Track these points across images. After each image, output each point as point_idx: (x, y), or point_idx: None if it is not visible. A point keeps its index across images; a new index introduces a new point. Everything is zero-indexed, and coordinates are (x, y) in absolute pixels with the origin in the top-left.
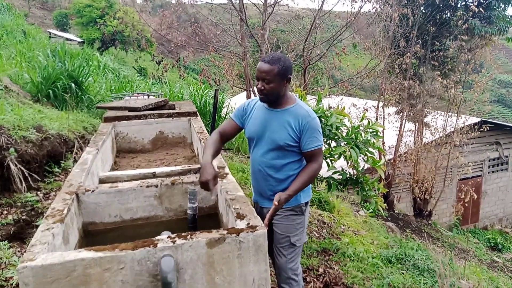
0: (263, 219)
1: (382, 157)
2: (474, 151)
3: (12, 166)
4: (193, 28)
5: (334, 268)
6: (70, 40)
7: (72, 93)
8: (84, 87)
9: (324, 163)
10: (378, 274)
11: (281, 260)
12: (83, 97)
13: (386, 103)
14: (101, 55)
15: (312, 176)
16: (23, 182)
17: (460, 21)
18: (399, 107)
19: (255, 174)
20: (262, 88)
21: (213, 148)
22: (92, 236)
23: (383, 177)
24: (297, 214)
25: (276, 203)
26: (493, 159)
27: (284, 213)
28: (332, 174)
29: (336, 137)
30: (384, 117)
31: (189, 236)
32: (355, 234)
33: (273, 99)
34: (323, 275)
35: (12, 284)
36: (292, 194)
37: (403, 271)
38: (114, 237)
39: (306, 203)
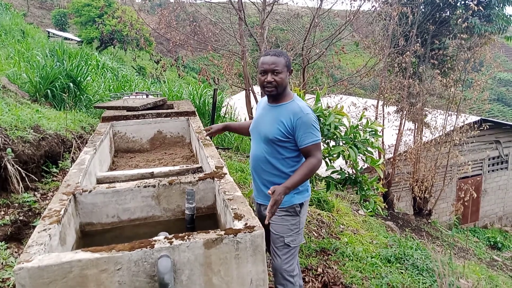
0: (260, 214)
1: (381, 156)
2: (474, 149)
3: (9, 167)
4: (192, 27)
5: (333, 267)
6: (69, 39)
7: (70, 92)
8: (82, 87)
9: (323, 162)
10: (377, 274)
11: (276, 261)
12: (81, 96)
13: (385, 102)
14: (100, 55)
15: (311, 169)
16: (20, 183)
17: (460, 20)
18: (399, 106)
19: (252, 168)
20: (272, 80)
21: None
22: (89, 236)
23: (382, 176)
24: (291, 215)
25: (271, 192)
26: (493, 158)
27: (278, 213)
28: (331, 173)
29: (334, 137)
30: (383, 116)
31: (187, 236)
32: (354, 233)
33: (281, 91)
34: (322, 275)
35: (9, 285)
36: (290, 186)
37: (402, 271)
38: (112, 237)
39: (301, 204)
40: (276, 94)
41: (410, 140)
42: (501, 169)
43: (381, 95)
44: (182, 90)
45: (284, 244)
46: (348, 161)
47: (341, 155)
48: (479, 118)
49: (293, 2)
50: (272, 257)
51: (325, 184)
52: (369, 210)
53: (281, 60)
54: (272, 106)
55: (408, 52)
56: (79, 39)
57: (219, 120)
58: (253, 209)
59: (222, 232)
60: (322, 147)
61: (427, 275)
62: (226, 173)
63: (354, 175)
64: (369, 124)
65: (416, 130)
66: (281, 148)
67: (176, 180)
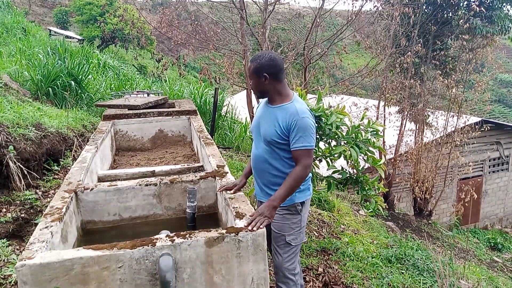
0: None
1: (383, 156)
2: (475, 150)
3: (11, 164)
4: (193, 26)
5: (333, 267)
6: (70, 37)
7: (71, 91)
8: (83, 85)
9: (324, 162)
10: (377, 274)
11: (278, 260)
12: (82, 95)
13: (387, 103)
14: (101, 53)
15: (295, 180)
16: (22, 180)
17: (462, 21)
18: (400, 106)
19: (253, 167)
20: (250, 84)
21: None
22: (91, 234)
23: (383, 176)
24: (293, 213)
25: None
26: (494, 159)
27: (279, 212)
28: (332, 173)
29: (336, 136)
30: (384, 116)
31: (188, 235)
32: (355, 233)
33: (259, 94)
34: (323, 274)
35: (10, 282)
36: (277, 200)
37: (402, 271)
38: (113, 235)
39: (303, 203)
40: (257, 97)
41: (411, 140)
42: (502, 170)
43: (382, 96)
44: (183, 89)
45: (285, 242)
46: (350, 161)
47: (342, 155)
48: (480, 119)
49: (294, 1)
50: (273, 256)
51: (326, 184)
52: (369, 210)
53: (251, 66)
54: (271, 107)
55: (409, 52)
56: (80, 38)
57: (219, 120)
58: (254, 208)
59: (224, 231)
60: (323, 147)
61: (427, 276)
62: (227, 172)
63: (355, 175)
64: (371, 124)
65: (417, 131)
66: (278, 149)
67: (178, 178)
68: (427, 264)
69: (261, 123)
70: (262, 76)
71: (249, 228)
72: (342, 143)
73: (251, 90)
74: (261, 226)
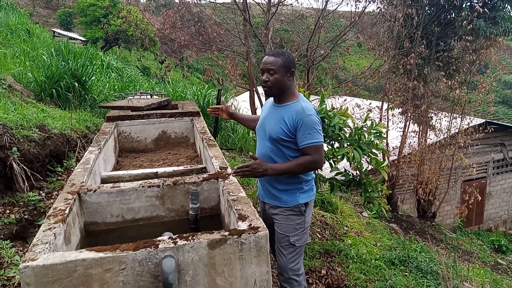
0: (265, 213)
1: (386, 158)
2: (479, 152)
3: (15, 165)
4: (196, 28)
5: (336, 269)
6: (74, 39)
7: (75, 92)
8: (87, 86)
9: (326, 164)
10: (381, 276)
11: (282, 260)
12: (86, 96)
13: (390, 104)
14: (105, 54)
15: (303, 165)
16: (26, 182)
17: (465, 22)
18: (403, 108)
19: None
20: (267, 79)
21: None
22: (93, 236)
23: (386, 178)
24: (296, 214)
25: (253, 157)
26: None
27: (283, 213)
28: (335, 175)
29: (339, 138)
30: (388, 118)
31: (191, 237)
32: (358, 235)
33: (276, 91)
34: (326, 276)
35: (14, 284)
36: (275, 168)
37: (406, 273)
38: (116, 237)
39: (306, 204)
40: (271, 94)
41: (414, 142)
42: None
43: (385, 97)
44: (186, 90)
45: (289, 243)
46: (353, 162)
47: (345, 157)
48: (484, 120)
49: (297, 3)
50: (277, 256)
51: (329, 186)
52: (373, 212)
53: (278, 60)
54: (277, 106)
55: (413, 53)
56: (84, 39)
57: (222, 122)
58: (257, 209)
59: (226, 233)
60: (326, 148)
61: (431, 278)
62: (230, 174)
63: (358, 177)
64: (374, 125)
65: (420, 132)
66: (284, 148)
67: (180, 180)
68: (431, 267)
69: (267, 122)
70: (289, 71)
71: (232, 172)
72: (345, 145)
73: (254, 91)
74: (243, 175)
